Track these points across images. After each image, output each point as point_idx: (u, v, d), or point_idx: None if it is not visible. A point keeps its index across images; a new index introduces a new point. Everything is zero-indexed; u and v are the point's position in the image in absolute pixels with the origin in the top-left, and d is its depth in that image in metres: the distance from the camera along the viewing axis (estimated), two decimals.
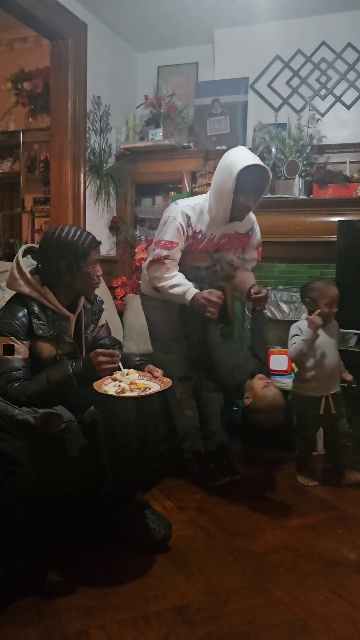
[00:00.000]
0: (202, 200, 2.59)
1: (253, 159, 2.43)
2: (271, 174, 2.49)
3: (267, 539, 2.13)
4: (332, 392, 2.65)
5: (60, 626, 1.60)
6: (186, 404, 2.70)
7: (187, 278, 2.55)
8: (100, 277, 2.15)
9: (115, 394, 1.83)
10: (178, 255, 2.56)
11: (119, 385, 1.88)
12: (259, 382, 2.40)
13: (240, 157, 2.43)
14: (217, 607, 1.70)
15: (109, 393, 1.84)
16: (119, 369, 1.96)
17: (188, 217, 2.53)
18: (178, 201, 2.65)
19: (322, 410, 2.62)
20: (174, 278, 2.52)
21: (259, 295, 2.63)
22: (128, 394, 1.86)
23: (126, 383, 1.90)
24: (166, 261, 2.51)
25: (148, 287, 2.68)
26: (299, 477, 2.68)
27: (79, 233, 2.05)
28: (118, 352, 2.03)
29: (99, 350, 1.96)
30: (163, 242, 2.52)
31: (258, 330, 2.72)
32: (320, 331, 2.60)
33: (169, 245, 2.51)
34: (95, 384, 1.87)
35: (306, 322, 2.62)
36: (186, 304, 2.49)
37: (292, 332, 2.67)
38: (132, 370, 2.01)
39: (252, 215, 2.70)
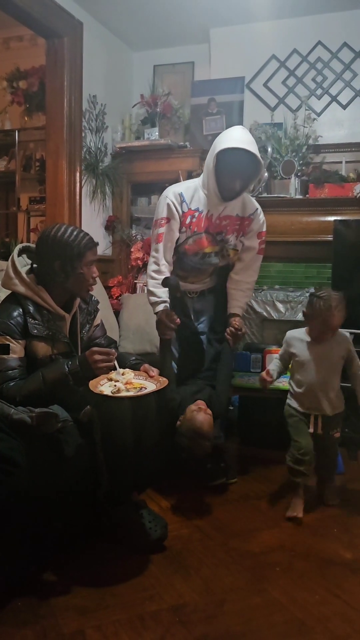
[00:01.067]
0: (197, 179, 2.64)
1: (237, 142, 2.41)
2: (261, 160, 2.48)
3: (263, 539, 2.13)
4: (320, 413, 2.36)
5: (56, 626, 1.59)
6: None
7: (194, 267, 2.63)
8: (97, 279, 2.14)
9: (110, 394, 1.83)
10: (173, 234, 2.58)
11: (115, 385, 1.87)
12: (191, 406, 2.33)
13: (226, 138, 2.45)
14: (213, 607, 1.70)
15: (105, 393, 1.83)
16: (115, 368, 1.95)
17: (181, 195, 2.56)
18: (173, 185, 2.69)
19: (312, 429, 2.35)
20: (154, 283, 2.57)
21: (237, 333, 2.64)
22: (123, 394, 1.85)
23: (122, 383, 1.89)
24: (159, 243, 2.55)
25: None
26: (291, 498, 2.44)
27: (75, 233, 2.04)
28: (114, 350, 2.03)
29: (95, 348, 1.95)
30: (157, 221, 2.58)
31: (224, 365, 2.66)
32: (307, 348, 2.37)
33: (161, 222, 2.56)
34: (91, 384, 1.87)
35: (300, 331, 2.44)
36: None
37: (284, 341, 2.50)
38: (127, 370, 2.00)
39: (255, 202, 2.72)
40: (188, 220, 2.58)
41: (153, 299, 2.57)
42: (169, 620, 1.63)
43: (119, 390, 1.84)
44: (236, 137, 2.44)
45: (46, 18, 3.33)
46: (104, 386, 1.88)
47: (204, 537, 2.14)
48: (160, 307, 2.55)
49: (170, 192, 2.57)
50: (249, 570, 1.90)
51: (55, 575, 1.85)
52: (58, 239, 2.01)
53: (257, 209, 2.71)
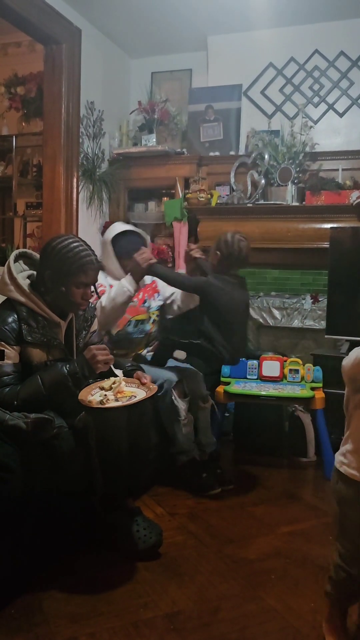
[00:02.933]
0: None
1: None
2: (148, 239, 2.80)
3: (258, 546, 2.12)
4: None
5: (49, 634, 1.59)
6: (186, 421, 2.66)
7: (125, 337, 2.77)
8: (91, 299, 2.12)
9: (100, 405, 1.84)
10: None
11: (105, 395, 1.88)
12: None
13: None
14: (208, 614, 1.69)
15: (93, 405, 1.83)
16: (114, 374, 1.97)
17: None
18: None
19: None
20: (116, 289, 2.58)
21: (189, 252, 2.70)
22: (112, 404, 1.86)
23: (113, 392, 1.90)
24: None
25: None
26: (325, 626, 1.57)
27: (76, 250, 2.00)
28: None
29: (91, 346, 1.98)
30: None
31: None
32: None
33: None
34: (81, 395, 1.88)
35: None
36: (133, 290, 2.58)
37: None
38: (118, 379, 2.00)
39: None
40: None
41: (124, 288, 2.55)
42: (163, 628, 1.62)
43: (108, 400, 1.85)
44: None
45: (44, 24, 3.34)
46: (95, 395, 1.89)
47: (198, 544, 2.13)
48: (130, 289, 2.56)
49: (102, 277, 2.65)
50: (244, 578, 1.89)
51: (49, 582, 1.84)
52: (57, 250, 2.00)
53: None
